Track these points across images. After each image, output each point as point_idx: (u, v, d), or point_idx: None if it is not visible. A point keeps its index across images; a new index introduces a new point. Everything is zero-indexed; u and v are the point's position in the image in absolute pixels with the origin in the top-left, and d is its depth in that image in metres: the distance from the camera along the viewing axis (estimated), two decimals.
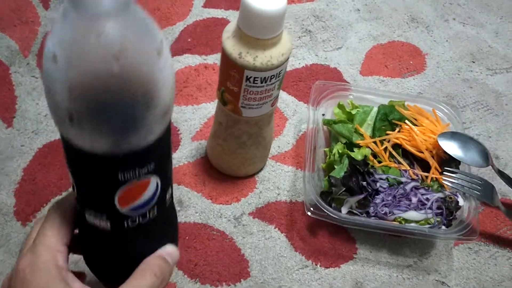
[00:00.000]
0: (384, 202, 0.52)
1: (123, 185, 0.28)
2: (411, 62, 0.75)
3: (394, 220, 0.52)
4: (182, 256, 0.52)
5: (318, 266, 0.53)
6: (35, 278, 0.29)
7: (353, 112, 0.59)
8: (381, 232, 0.54)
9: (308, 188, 0.52)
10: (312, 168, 0.53)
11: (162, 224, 0.34)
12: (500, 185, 0.59)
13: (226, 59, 0.45)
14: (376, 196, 0.53)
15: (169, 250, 0.35)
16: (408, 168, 0.56)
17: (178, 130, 0.62)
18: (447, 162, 0.56)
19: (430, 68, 0.75)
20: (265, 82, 0.45)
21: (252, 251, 0.53)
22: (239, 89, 0.46)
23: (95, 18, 0.23)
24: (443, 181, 0.54)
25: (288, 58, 0.45)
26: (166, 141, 0.30)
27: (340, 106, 0.60)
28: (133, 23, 0.24)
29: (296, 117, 0.65)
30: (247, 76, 0.45)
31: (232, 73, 0.45)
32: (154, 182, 0.30)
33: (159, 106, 0.26)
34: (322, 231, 0.56)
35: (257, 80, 0.45)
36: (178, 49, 0.70)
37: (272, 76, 0.45)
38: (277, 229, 0.55)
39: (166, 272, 0.33)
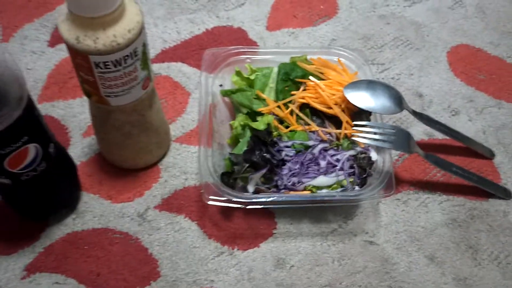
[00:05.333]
0: (291, 172, 0.48)
1: (7, 156, 0.38)
2: (321, 7, 0.68)
3: (305, 189, 0.47)
4: (82, 267, 0.47)
5: (235, 250, 0.49)
6: None
7: (252, 77, 0.53)
8: (293, 207, 0.50)
9: (204, 170, 0.46)
10: (208, 144, 0.48)
11: (55, 169, 0.44)
12: (424, 126, 0.55)
13: (67, 46, 0.38)
14: (283, 167, 0.48)
15: None
16: (317, 128, 0.51)
17: (67, 128, 0.56)
18: (359, 114, 0.52)
19: (343, 10, 0.68)
20: (120, 65, 0.39)
21: (161, 248, 0.49)
22: (93, 77, 0.40)
23: None
24: (353, 137, 0.49)
25: (140, 33, 0.39)
26: (32, 119, 0.39)
27: (238, 73, 0.54)
28: None
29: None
30: (94, 62, 0.38)
31: (79, 61, 0.39)
32: (32, 148, 0.39)
33: (7, 103, 0.35)
34: (237, 211, 0.51)
35: (108, 65, 0.39)
36: (59, 37, 0.62)
37: (127, 57, 0.39)
38: (187, 218, 0.51)
39: None
